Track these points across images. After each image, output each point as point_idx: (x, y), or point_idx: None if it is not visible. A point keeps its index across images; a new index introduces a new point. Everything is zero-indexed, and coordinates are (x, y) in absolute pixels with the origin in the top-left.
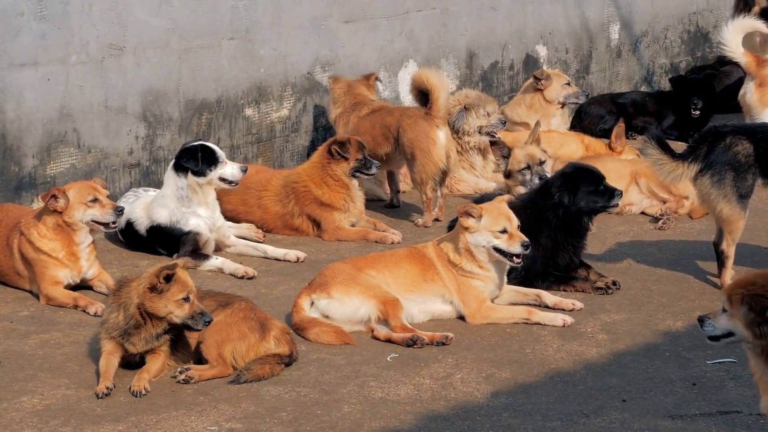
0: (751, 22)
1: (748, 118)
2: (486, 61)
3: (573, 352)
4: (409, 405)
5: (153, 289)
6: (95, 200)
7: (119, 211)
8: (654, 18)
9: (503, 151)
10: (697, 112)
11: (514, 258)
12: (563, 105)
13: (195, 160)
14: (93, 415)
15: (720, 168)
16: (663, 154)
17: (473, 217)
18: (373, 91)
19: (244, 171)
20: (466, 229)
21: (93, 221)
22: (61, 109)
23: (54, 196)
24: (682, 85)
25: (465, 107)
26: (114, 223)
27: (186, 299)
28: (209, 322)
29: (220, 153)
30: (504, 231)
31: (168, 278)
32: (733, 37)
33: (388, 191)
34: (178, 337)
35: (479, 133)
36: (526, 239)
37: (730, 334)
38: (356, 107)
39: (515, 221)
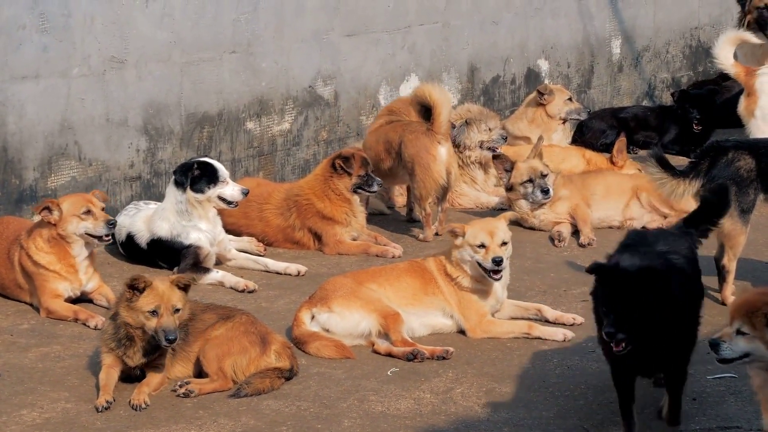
0: (739, 34)
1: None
2: (488, 75)
3: (573, 367)
4: (410, 419)
5: (128, 299)
6: (88, 212)
7: (111, 224)
8: (656, 33)
9: (506, 165)
10: (699, 127)
11: (491, 274)
12: (565, 121)
13: (188, 176)
14: (93, 428)
15: None
16: (664, 172)
17: (458, 235)
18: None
19: (245, 193)
20: (455, 244)
21: (86, 234)
22: (63, 122)
23: (47, 209)
24: (684, 99)
25: (466, 122)
26: (107, 236)
27: (153, 312)
28: (171, 341)
29: (223, 172)
30: (482, 246)
31: (133, 288)
32: (722, 50)
33: (396, 204)
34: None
35: (480, 148)
36: (499, 255)
37: (746, 355)
38: (376, 120)
39: (498, 237)
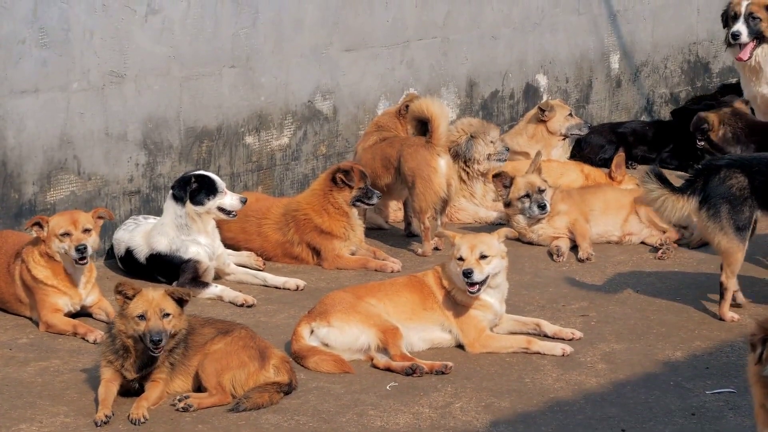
0: None
1: None
2: (486, 90)
3: (572, 382)
4: None
5: (119, 308)
6: (66, 234)
7: (79, 250)
8: (654, 48)
9: (505, 181)
10: (703, 143)
11: (468, 287)
12: (566, 136)
13: (187, 189)
14: None
15: (715, 201)
16: (663, 188)
17: (452, 244)
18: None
19: (244, 202)
20: (450, 255)
21: (65, 253)
22: (62, 136)
23: (37, 224)
24: (684, 116)
25: (471, 136)
26: (82, 259)
27: (141, 317)
28: (156, 342)
29: (220, 183)
30: (461, 258)
31: (121, 293)
32: None
33: (389, 219)
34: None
35: (488, 159)
36: (469, 267)
37: None
38: (366, 137)
39: (478, 250)
